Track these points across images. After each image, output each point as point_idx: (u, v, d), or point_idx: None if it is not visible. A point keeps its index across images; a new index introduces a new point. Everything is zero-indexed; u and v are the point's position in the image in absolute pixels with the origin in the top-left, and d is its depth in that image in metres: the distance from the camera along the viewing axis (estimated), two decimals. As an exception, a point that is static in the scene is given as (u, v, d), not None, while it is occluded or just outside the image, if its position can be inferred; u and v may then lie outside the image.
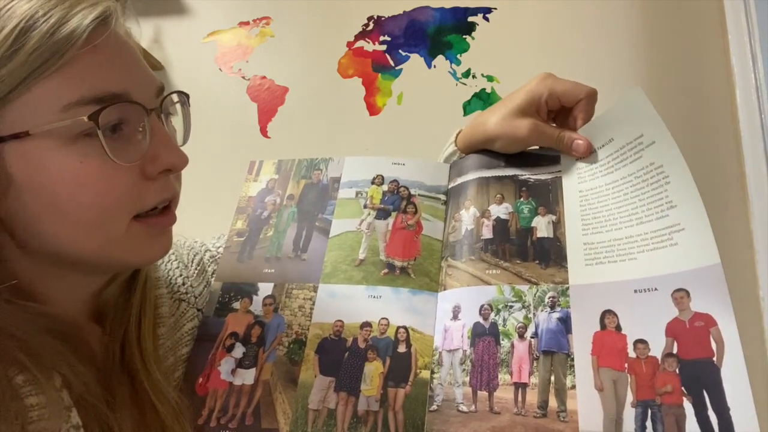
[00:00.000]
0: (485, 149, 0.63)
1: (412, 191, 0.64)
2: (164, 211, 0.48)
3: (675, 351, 0.44)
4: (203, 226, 0.73)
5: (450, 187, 0.64)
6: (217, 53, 1.82)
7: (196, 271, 0.63)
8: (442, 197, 0.63)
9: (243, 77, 1.78)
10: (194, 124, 1.74)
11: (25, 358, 0.40)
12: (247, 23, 1.81)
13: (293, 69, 1.76)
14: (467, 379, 0.50)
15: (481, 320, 0.52)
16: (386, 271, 0.59)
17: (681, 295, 0.45)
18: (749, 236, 1.33)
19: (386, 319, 0.55)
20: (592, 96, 0.57)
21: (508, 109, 0.59)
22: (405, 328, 0.55)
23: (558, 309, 0.50)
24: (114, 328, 0.51)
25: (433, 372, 0.52)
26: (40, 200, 0.41)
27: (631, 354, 0.45)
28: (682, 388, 0.42)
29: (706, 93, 1.43)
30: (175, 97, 0.51)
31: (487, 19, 1.66)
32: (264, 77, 1.77)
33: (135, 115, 0.43)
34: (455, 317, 0.54)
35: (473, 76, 1.64)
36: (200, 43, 1.83)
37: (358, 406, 0.51)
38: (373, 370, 0.53)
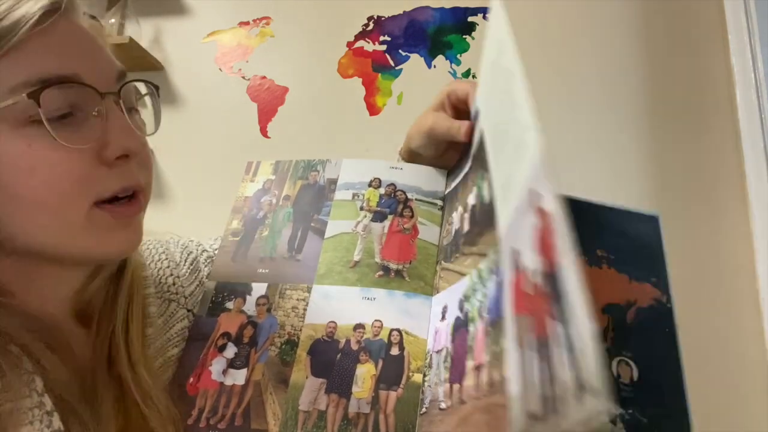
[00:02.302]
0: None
1: (409, 195, 0.63)
2: (129, 201, 0.47)
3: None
4: (202, 226, 0.73)
5: (446, 192, 0.64)
6: (217, 53, 1.82)
7: (188, 271, 0.62)
8: (439, 203, 0.63)
9: (243, 77, 1.79)
10: (194, 124, 1.74)
11: (5, 360, 0.40)
12: (247, 23, 1.82)
13: (293, 69, 1.77)
14: (447, 375, 0.49)
15: (459, 314, 0.51)
16: (381, 273, 0.58)
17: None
18: (749, 236, 1.32)
19: (380, 321, 0.55)
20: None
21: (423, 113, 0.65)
22: (398, 330, 0.54)
23: (496, 270, 0.43)
24: (101, 329, 0.50)
25: (425, 375, 0.52)
26: None
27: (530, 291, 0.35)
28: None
29: (706, 93, 1.43)
30: (143, 89, 0.50)
31: (487, 19, 1.66)
32: (264, 77, 1.78)
33: (88, 99, 0.43)
34: (443, 317, 0.53)
35: (473, 76, 1.64)
36: (200, 43, 1.84)
37: (348, 408, 0.51)
38: (365, 372, 0.52)
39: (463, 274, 0.53)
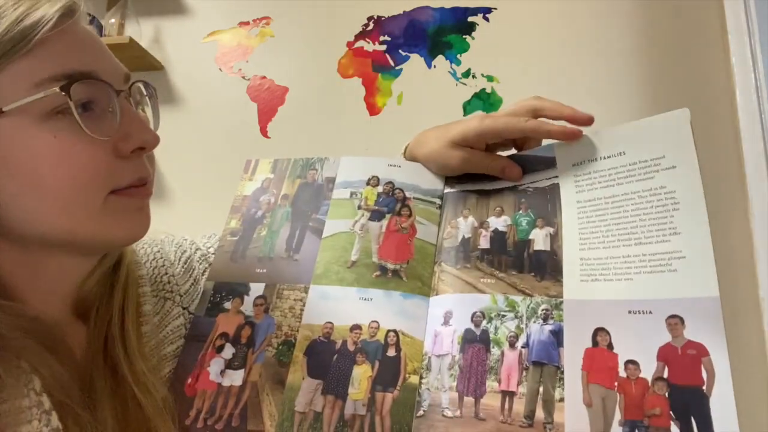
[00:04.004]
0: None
1: (407, 194, 0.63)
2: (140, 188, 0.49)
3: (665, 375, 0.43)
4: (202, 226, 0.73)
5: (446, 192, 0.63)
6: (217, 53, 1.82)
7: (183, 269, 0.63)
8: (438, 201, 0.63)
9: (243, 77, 1.79)
10: (194, 124, 1.73)
11: (2, 361, 0.40)
12: (247, 23, 1.82)
13: (293, 69, 1.77)
14: (454, 384, 0.50)
15: (472, 327, 0.52)
16: (378, 273, 0.58)
17: (675, 322, 0.45)
18: (749, 236, 1.32)
19: (376, 322, 0.55)
20: (534, 131, 0.57)
21: (441, 141, 0.61)
22: (395, 331, 0.54)
23: (551, 322, 0.49)
24: (98, 322, 0.51)
25: (421, 377, 0.52)
26: (18, 178, 0.43)
27: (622, 373, 0.45)
28: (671, 412, 0.42)
29: (706, 93, 1.43)
30: (143, 90, 0.53)
31: (487, 19, 1.66)
32: (264, 77, 1.78)
33: (104, 95, 0.45)
34: (446, 323, 0.53)
35: (473, 76, 1.64)
36: (200, 43, 1.84)
37: (345, 409, 0.51)
38: (362, 373, 0.52)
39: (476, 288, 0.54)
